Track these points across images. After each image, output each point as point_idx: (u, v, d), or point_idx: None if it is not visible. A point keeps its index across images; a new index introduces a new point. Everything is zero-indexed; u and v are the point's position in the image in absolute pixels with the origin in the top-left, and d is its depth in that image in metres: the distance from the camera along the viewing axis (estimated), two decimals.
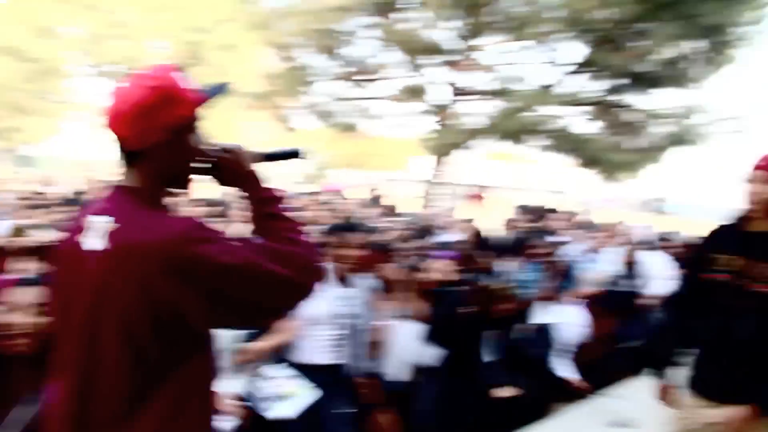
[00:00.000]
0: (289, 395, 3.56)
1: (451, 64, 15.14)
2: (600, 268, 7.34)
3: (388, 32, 13.76)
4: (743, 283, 2.93)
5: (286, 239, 1.73)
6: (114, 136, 1.69)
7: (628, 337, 7.00)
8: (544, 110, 14.35)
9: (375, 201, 12.85)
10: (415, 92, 14.85)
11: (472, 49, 14.31)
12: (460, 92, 15.29)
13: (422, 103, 15.48)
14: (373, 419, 4.10)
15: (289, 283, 1.67)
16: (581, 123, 15.48)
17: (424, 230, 7.61)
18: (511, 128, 13.66)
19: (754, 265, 2.91)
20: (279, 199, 1.85)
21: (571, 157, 15.23)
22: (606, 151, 14.51)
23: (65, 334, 1.71)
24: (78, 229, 1.70)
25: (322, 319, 3.77)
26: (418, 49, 13.80)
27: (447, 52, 14.86)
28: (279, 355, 3.75)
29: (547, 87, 14.70)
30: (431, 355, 4.62)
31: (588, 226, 10.37)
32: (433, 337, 4.61)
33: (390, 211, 11.98)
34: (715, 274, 3.06)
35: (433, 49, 14.33)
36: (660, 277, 7.30)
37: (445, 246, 7.17)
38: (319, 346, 3.81)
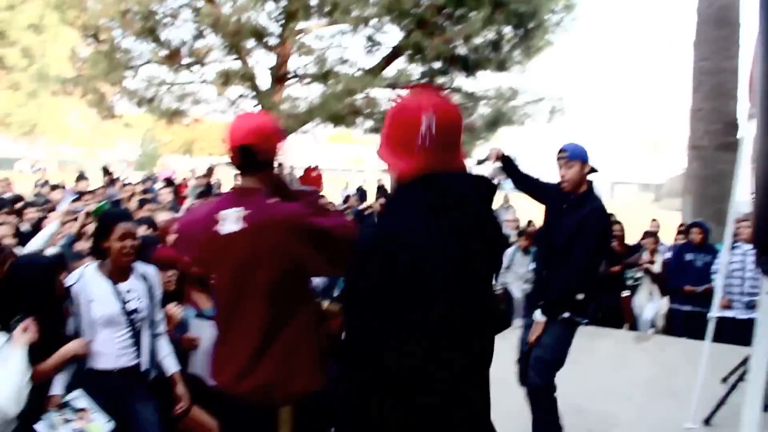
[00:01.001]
0: None
1: (272, 48, 14.81)
2: None
3: (205, 15, 13.18)
4: None
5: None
6: (244, 148, 2.39)
7: None
8: (368, 93, 14.42)
9: (208, 187, 12.33)
10: (235, 77, 14.37)
11: (292, 33, 14.02)
12: (282, 76, 14.98)
13: (244, 87, 15.05)
14: (187, 420, 3.77)
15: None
16: None
17: None
18: (337, 112, 13.57)
19: None
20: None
21: None
22: None
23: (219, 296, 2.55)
24: (211, 222, 2.40)
25: (111, 319, 3.43)
26: (237, 33, 13.34)
27: (267, 36, 14.52)
28: (73, 368, 3.40)
29: (369, 70, 14.75)
30: None
31: None
32: None
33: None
34: None
35: (252, 33, 13.93)
36: None
37: None
38: (112, 350, 3.47)
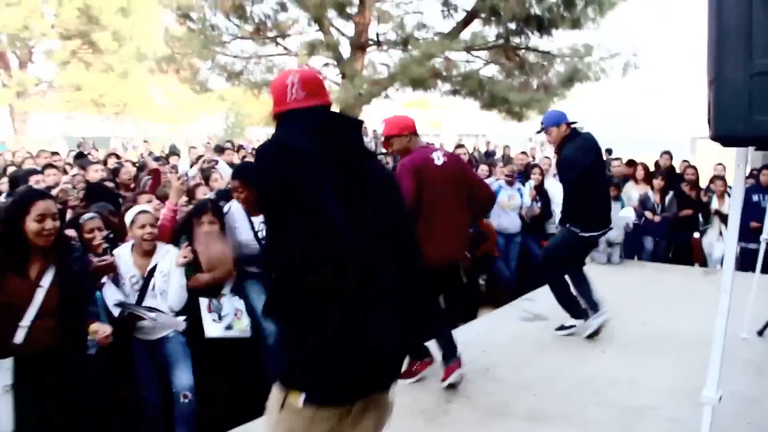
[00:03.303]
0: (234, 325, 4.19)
1: (352, 17, 15.47)
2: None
3: None
4: None
5: None
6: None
7: None
8: (446, 56, 14.95)
9: None
10: (320, 47, 15.13)
11: (371, 1, 14.63)
12: (363, 44, 15.64)
13: (328, 57, 15.78)
14: None
15: None
16: (483, 66, 16.09)
17: None
18: (417, 75, 14.13)
19: None
20: None
21: (474, 99, 15.84)
22: (508, 91, 15.19)
23: (432, 197, 4.04)
24: (429, 157, 4.14)
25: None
26: (319, 5, 14.05)
27: (347, 6, 15.17)
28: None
29: (447, 34, 15.26)
30: None
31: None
32: None
33: None
34: None
35: (334, 4, 14.61)
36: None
37: None
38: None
